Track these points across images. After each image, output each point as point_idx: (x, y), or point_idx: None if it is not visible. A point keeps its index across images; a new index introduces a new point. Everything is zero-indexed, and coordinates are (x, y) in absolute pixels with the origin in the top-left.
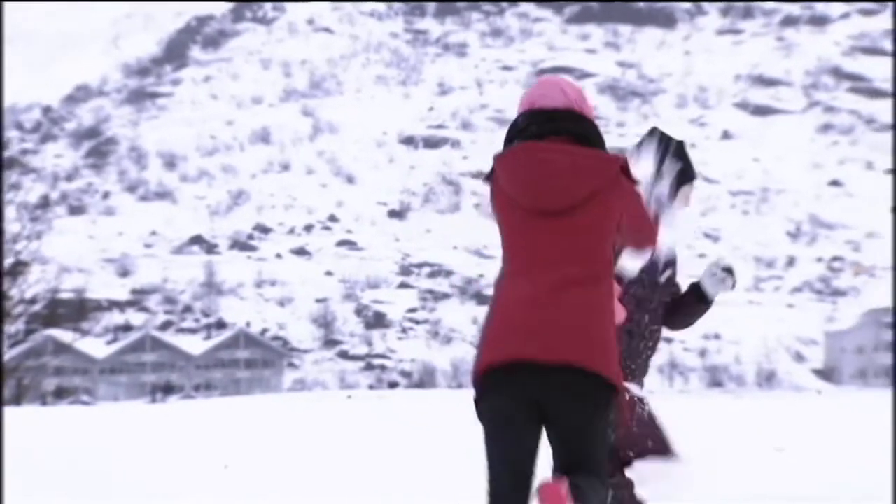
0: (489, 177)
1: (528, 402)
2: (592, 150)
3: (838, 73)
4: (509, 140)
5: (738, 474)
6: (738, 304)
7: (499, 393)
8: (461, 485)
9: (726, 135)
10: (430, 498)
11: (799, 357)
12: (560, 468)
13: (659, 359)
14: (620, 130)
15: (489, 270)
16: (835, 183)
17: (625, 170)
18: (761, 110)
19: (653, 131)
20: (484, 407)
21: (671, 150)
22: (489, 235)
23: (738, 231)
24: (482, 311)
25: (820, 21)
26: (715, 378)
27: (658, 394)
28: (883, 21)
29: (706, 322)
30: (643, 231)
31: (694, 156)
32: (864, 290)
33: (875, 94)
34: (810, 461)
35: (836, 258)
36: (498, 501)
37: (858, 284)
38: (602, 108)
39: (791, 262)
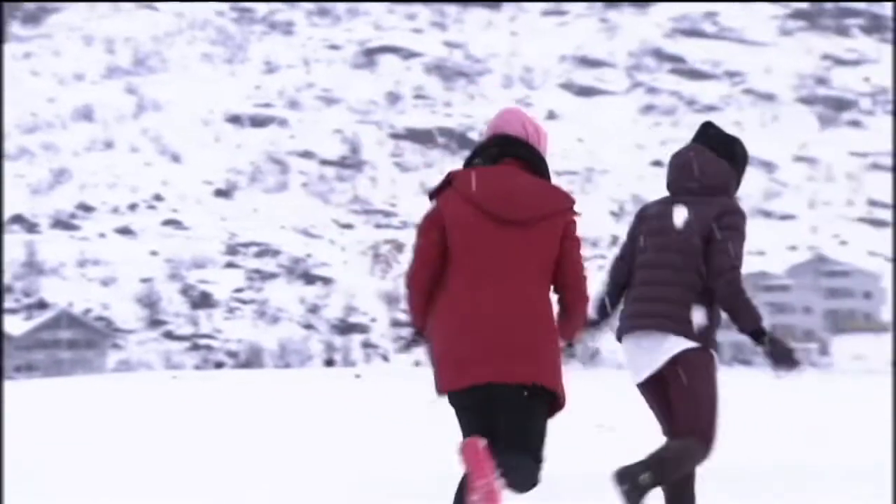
0: (439, 190)
1: (484, 404)
2: (549, 183)
3: (660, 55)
4: (472, 157)
5: (560, 452)
6: None
7: (461, 399)
8: (287, 463)
9: (551, 115)
10: (253, 478)
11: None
12: (500, 449)
13: None
14: (447, 110)
15: (317, 250)
16: (657, 163)
17: (573, 211)
18: (585, 91)
19: (707, 125)
20: (451, 401)
21: (733, 145)
22: (316, 215)
23: None
24: (310, 291)
25: (642, 3)
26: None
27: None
28: (703, 4)
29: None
30: (572, 268)
31: None
32: None
33: (696, 75)
34: (632, 438)
35: None
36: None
37: None
38: (428, 88)
39: (615, 241)
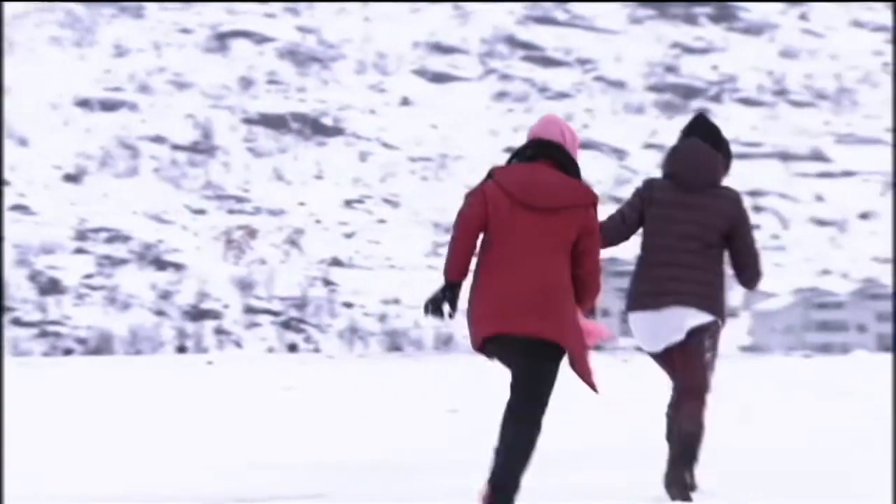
0: (484, 182)
1: (516, 349)
2: (574, 180)
3: (513, 42)
4: (513, 157)
5: (410, 435)
6: (418, 269)
7: (498, 345)
8: (136, 453)
9: (405, 101)
10: (101, 469)
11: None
12: (519, 397)
13: (339, 324)
14: (301, 95)
15: (168, 235)
16: (510, 149)
17: (594, 204)
18: (439, 77)
19: (699, 117)
20: (489, 350)
21: (717, 134)
22: (168, 201)
23: (416, 196)
24: (161, 277)
25: None
26: (395, 342)
27: (337, 359)
28: None
29: (385, 287)
30: (592, 248)
31: (373, 123)
32: None
33: (548, 62)
34: (481, 422)
35: None
36: (517, 403)
37: None
38: (282, 74)
39: None
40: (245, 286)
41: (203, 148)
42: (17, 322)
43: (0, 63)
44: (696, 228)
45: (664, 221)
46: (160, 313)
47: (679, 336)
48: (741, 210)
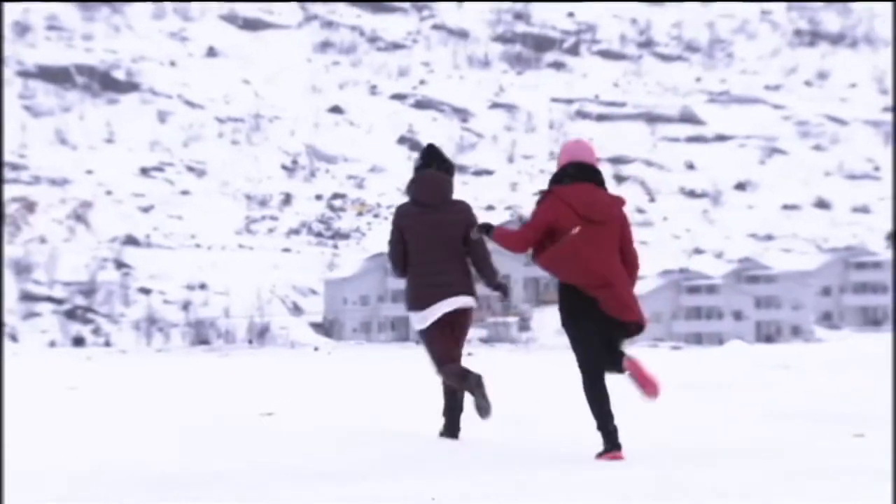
0: (545, 197)
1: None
2: (610, 194)
3: None
4: (559, 178)
5: (217, 441)
6: (227, 249)
7: (583, 320)
8: None
9: (212, 52)
10: None
11: (296, 309)
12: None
13: (134, 313)
14: (87, 45)
15: None
16: (336, 109)
17: (624, 207)
18: (251, 24)
19: (431, 148)
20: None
21: (447, 161)
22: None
23: (226, 164)
24: None
25: None
26: (200, 334)
27: (132, 354)
28: None
29: (189, 270)
30: (629, 246)
31: (174, 77)
32: (368, 233)
33: (379, 8)
34: (299, 426)
35: (337, 195)
36: (595, 361)
37: (362, 225)
38: (64, 19)
39: (287, 199)
40: (21, 269)
41: None
42: None
43: (1, 55)
44: (446, 239)
45: (421, 239)
46: None
47: (456, 305)
48: (471, 216)
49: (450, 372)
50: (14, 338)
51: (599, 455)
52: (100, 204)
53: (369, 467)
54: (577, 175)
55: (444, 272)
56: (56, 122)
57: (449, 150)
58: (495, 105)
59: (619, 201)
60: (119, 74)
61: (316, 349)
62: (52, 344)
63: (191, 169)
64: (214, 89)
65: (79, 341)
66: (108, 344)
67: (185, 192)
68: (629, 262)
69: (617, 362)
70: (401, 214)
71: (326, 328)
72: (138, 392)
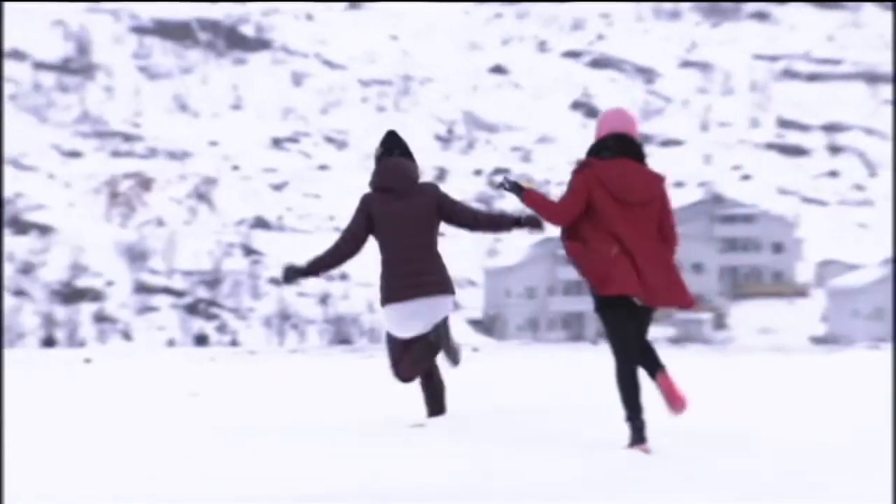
0: (581, 169)
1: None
2: (650, 171)
3: None
4: (597, 150)
5: (369, 458)
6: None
7: (620, 307)
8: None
9: (354, 4)
10: None
11: (453, 304)
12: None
13: (264, 308)
14: None
15: (30, 187)
16: (498, 69)
17: (664, 184)
18: None
19: (392, 135)
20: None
21: (407, 148)
22: (29, 139)
23: (370, 134)
24: (20, 244)
25: None
26: (340, 333)
27: (262, 355)
28: None
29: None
30: (668, 222)
31: (311, 32)
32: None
33: None
34: (456, 439)
35: (499, 170)
36: (630, 354)
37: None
38: None
39: (441, 174)
40: (136, 256)
41: (77, 67)
42: None
43: (1, 57)
44: (420, 227)
45: (393, 228)
46: (20, 293)
47: (434, 320)
48: (442, 194)
49: (410, 364)
50: (127, 336)
51: (629, 447)
52: (225, 180)
53: (571, 484)
54: (617, 148)
55: (419, 261)
56: (175, 85)
57: None
58: (686, 63)
59: (660, 179)
60: (247, 30)
61: (475, 350)
62: (171, 343)
63: (330, 140)
64: (357, 47)
65: (201, 340)
66: (234, 343)
67: (322, 167)
68: (667, 242)
69: (649, 360)
70: (368, 199)
71: (487, 325)
72: (270, 399)
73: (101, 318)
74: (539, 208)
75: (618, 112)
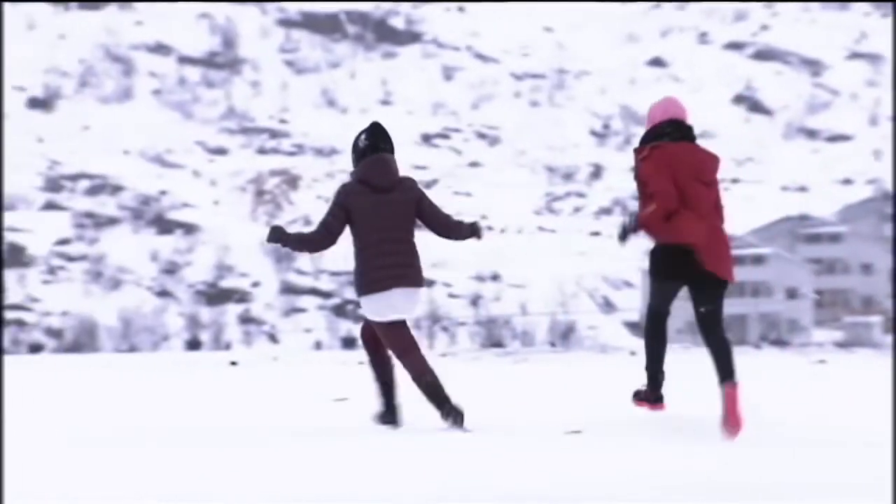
0: (652, 152)
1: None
2: (709, 152)
3: None
4: (655, 136)
5: (525, 463)
6: (525, 233)
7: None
8: (134, 494)
9: None
10: None
11: (608, 305)
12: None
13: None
14: None
15: (175, 185)
16: (656, 62)
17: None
18: None
19: (377, 127)
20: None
21: (391, 140)
22: (174, 136)
23: (523, 129)
24: (165, 243)
25: None
26: (492, 335)
27: None
28: None
29: (479, 257)
30: (722, 201)
31: (463, 24)
32: None
33: None
34: (614, 445)
35: None
36: (663, 309)
37: None
38: None
39: (597, 172)
40: (282, 256)
41: (223, 61)
42: None
43: (0, 60)
44: (400, 220)
45: (374, 220)
46: (164, 294)
47: (413, 309)
48: (420, 191)
49: (420, 374)
50: (273, 338)
51: (639, 400)
52: None
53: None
54: (675, 133)
55: (399, 252)
56: (322, 79)
57: (796, 111)
58: (855, 55)
59: (719, 160)
60: (397, 22)
61: (632, 354)
62: (318, 345)
63: (481, 135)
64: (510, 39)
65: (349, 342)
66: None
67: (474, 164)
68: (722, 219)
69: (722, 361)
70: (348, 192)
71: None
72: (420, 404)
73: (246, 320)
74: (650, 217)
75: (670, 100)
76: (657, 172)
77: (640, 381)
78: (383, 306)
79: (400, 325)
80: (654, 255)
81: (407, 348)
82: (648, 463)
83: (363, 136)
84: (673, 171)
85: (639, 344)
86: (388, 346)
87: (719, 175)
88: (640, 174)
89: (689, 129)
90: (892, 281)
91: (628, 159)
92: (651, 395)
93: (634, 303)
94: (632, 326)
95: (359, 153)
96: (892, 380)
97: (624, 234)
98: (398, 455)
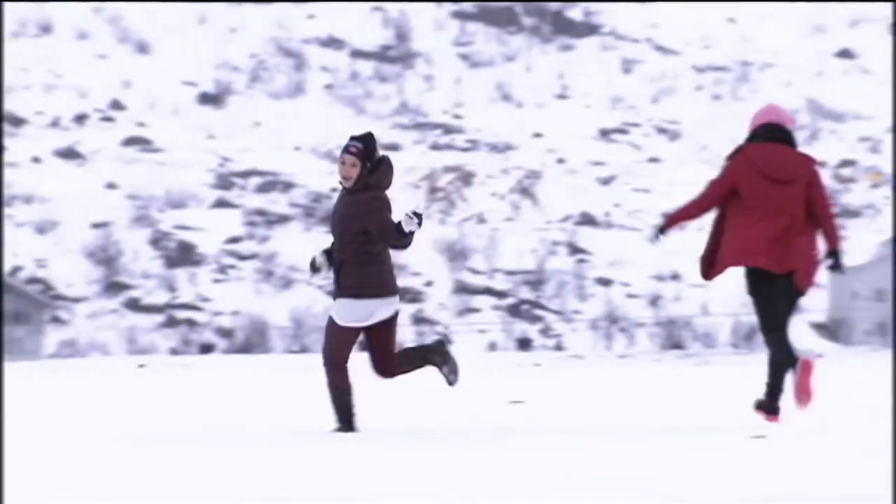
0: (734, 156)
1: (763, 280)
2: (800, 153)
3: None
4: (750, 140)
5: (722, 472)
6: (707, 230)
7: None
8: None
9: None
10: None
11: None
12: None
13: (591, 309)
14: None
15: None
16: (844, 53)
17: (818, 166)
18: None
19: (370, 137)
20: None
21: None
22: (346, 131)
23: (705, 124)
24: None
25: None
26: (673, 337)
27: (589, 360)
28: None
29: (659, 256)
30: (823, 206)
31: (643, 15)
32: (885, 209)
33: None
34: (796, 453)
35: (846, 162)
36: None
37: (877, 200)
38: None
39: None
40: (456, 255)
41: (396, 55)
42: (135, 305)
43: (0, 58)
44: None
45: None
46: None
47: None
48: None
49: (347, 390)
50: (447, 338)
51: (758, 409)
52: (550, 174)
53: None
54: (767, 136)
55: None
56: (497, 73)
57: None
58: None
59: (809, 160)
60: (575, 14)
61: (819, 356)
62: (492, 346)
63: (662, 130)
64: (692, 31)
65: (524, 343)
66: (559, 347)
67: (653, 160)
68: (822, 220)
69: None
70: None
71: (832, 330)
72: (599, 409)
73: (419, 320)
74: (683, 213)
75: (770, 106)
76: (721, 174)
77: (827, 383)
78: (366, 313)
79: (357, 333)
80: (748, 271)
81: (348, 358)
82: (836, 472)
83: (376, 143)
84: (739, 174)
85: (827, 347)
86: (334, 348)
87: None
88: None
89: (784, 132)
90: (893, 280)
91: (816, 153)
92: (767, 406)
93: (821, 303)
94: (819, 328)
95: (377, 160)
96: (893, 380)
97: (659, 234)
98: (580, 456)
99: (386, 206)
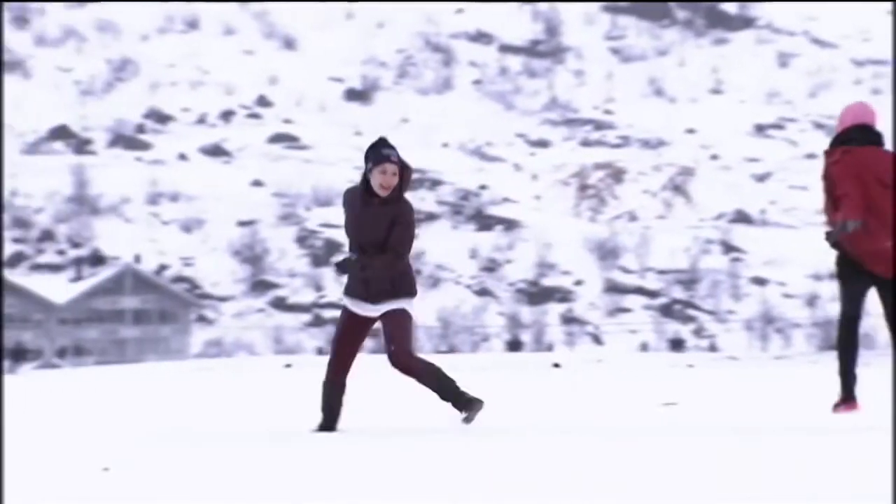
0: (843, 157)
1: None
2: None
3: None
4: (843, 140)
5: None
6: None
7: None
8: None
9: None
10: None
11: None
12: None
13: (745, 309)
14: None
15: (495, 179)
16: None
17: None
18: None
19: (384, 143)
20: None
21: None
22: (495, 128)
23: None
24: (485, 240)
25: None
26: (830, 337)
27: (746, 360)
28: None
29: (816, 255)
30: None
31: (800, 8)
32: None
33: None
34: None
35: None
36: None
37: None
38: None
39: None
40: (607, 253)
41: (545, 49)
42: (281, 304)
43: (0, 56)
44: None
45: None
46: (483, 293)
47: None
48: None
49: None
50: (597, 339)
51: (836, 407)
52: (703, 171)
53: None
54: (862, 138)
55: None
56: (650, 68)
57: None
58: None
59: None
60: (729, 7)
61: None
62: (644, 347)
63: (818, 126)
64: (850, 23)
65: (677, 344)
66: (712, 348)
67: (810, 156)
68: None
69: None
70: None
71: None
72: (752, 412)
73: (569, 320)
74: (843, 214)
75: (860, 105)
76: (846, 177)
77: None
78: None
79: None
80: (839, 261)
81: (353, 357)
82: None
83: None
84: (860, 175)
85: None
86: (346, 339)
87: None
88: (829, 176)
89: (877, 134)
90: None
91: None
92: (843, 397)
93: None
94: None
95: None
96: (892, 380)
97: (834, 242)
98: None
99: (414, 222)
